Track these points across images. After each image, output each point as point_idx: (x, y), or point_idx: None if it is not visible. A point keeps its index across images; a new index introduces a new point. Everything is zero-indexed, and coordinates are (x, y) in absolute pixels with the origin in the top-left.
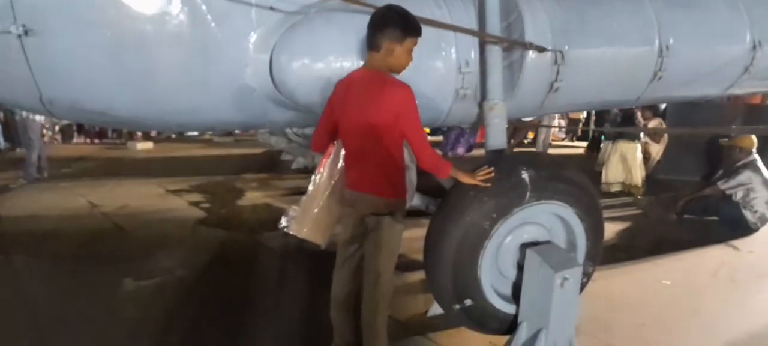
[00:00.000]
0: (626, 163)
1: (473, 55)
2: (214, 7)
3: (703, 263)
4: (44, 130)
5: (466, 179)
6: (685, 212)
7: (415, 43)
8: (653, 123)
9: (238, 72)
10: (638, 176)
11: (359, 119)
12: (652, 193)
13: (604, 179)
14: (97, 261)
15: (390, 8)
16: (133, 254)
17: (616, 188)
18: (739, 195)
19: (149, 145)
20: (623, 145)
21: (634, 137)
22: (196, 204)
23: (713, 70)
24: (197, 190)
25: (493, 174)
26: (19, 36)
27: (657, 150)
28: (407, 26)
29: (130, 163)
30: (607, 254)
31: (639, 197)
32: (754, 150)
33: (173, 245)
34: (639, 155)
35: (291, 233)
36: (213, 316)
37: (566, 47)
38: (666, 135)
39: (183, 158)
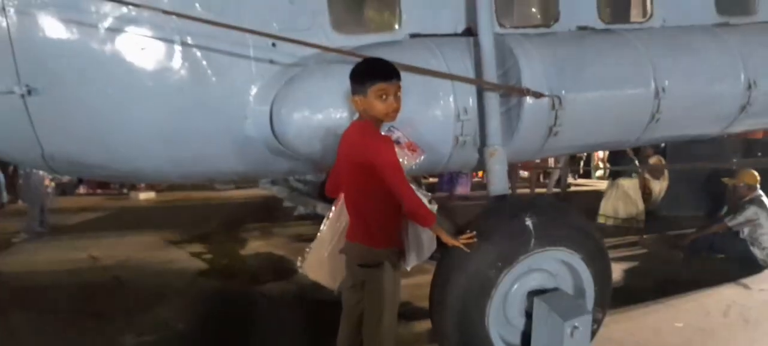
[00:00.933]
0: (630, 198)
1: (471, 102)
2: (215, 62)
3: (713, 303)
4: (47, 182)
5: (447, 240)
6: (691, 250)
7: (385, 88)
8: (653, 160)
9: (239, 124)
10: (641, 206)
11: (347, 170)
12: (656, 230)
13: (601, 210)
14: (96, 316)
15: (361, 61)
16: (134, 308)
17: (610, 222)
18: (746, 232)
19: (152, 194)
20: (624, 182)
21: (631, 174)
22: (197, 255)
23: (710, 110)
24: (198, 239)
25: (474, 240)
26: (23, 96)
27: (659, 187)
28: (361, 77)
29: (132, 214)
30: (615, 297)
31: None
32: (758, 186)
33: (174, 298)
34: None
35: (303, 272)
36: None
37: (563, 92)
38: (667, 172)
39: (185, 206)
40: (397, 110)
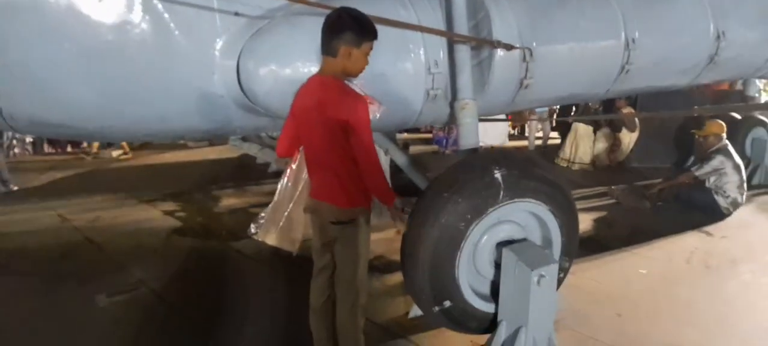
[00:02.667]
0: (583, 142)
1: (442, 55)
2: (178, 15)
3: (677, 250)
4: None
5: (393, 214)
6: (659, 200)
7: (372, 47)
8: (625, 111)
9: (205, 79)
10: (586, 153)
11: (315, 127)
12: (625, 181)
13: (559, 155)
14: (68, 278)
15: (345, 11)
16: (106, 269)
17: (563, 164)
18: (711, 180)
19: (120, 152)
20: (579, 127)
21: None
22: (170, 213)
23: (679, 62)
24: (172, 198)
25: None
26: None
27: (629, 138)
28: (363, 29)
29: (103, 173)
30: (584, 246)
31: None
32: (724, 135)
33: (147, 257)
34: (589, 135)
35: (259, 240)
36: (189, 327)
37: (534, 44)
38: (638, 124)
39: (157, 165)
40: None
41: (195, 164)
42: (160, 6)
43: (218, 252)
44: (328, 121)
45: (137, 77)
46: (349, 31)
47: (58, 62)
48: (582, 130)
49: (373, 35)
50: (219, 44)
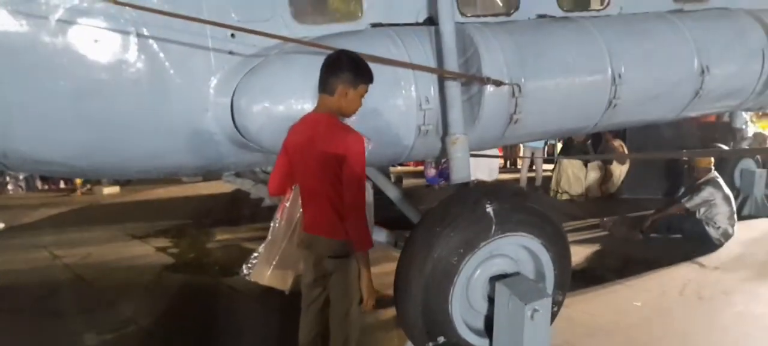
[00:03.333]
0: (570, 176)
1: (433, 91)
2: (172, 54)
3: (670, 281)
4: None
5: (363, 278)
6: (650, 231)
7: (367, 90)
8: (615, 144)
9: (199, 117)
10: (577, 183)
11: (312, 161)
12: (617, 213)
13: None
14: (58, 315)
15: (344, 53)
16: (96, 306)
17: (553, 195)
18: (701, 211)
19: (116, 189)
20: (564, 162)
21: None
22: (163, 249)
23: (665, 96)
24: (164, 234)
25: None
26: None
27: (620, 170)
28: (360, 71)
29: (95, 210)
30: (577, 279)
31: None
32: (713, 167)
33: (138, 294)
34: (577, 165)
35: (252, 280)
36: None
37: (523, 80)
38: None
39: (150, 201)
40: None
41: (188, 200)
42: (155, 45)
43: (210, 288)
44: (323, 155)
45: (131, 115)
46: (347, 71)
47: (53, 101)
48: (567, 161)
49: (369, 78)
50: (213, 82)
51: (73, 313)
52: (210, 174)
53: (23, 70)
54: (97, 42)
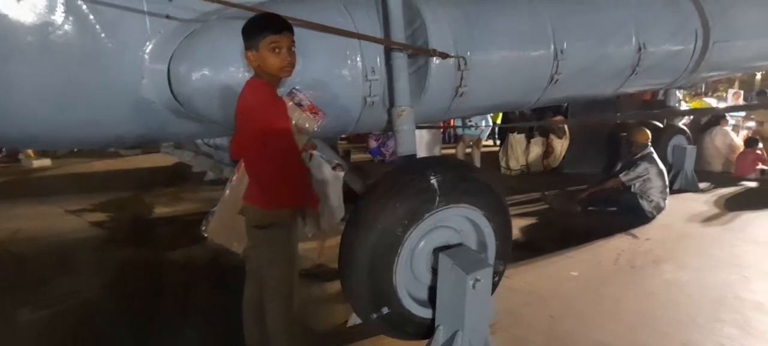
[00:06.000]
0: (514, 151)
1: (379, 62)
2: (104, 16)
3: (606, 252)
4: None
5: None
6: (588, 204)
7: (277, 40)
8: (557, 119)
9: (134, 84)
10: (520, 159)
11: (242, 131)
12: (557, 186)
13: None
14: None
15: (252, 16)
16: (30, 282)
17: (505, 172)
18: (636, 186)
19: (47, 161)
20: (512, 137)
21: (522, 131)
22: (99, 224)
23: (604, 71)
24: (101, 208)
25: None
26: None
27: (561, 145)
28: (256, 27)
29: (24, 183)
30: (519, 250)
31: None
32: (649, 143)
33: (75, 269)
34: (521, 142)
35: (207, 236)
36: (120, 337)
37: (468, 53)
38: (568, 131)
39: (85, 174)
40: (291, 65)
41: (127, 173)
42: (84, 7)
43: (151, 263)
44: (248, 123)
45: (60, 81)
46: (245, 35)
47: None
48: (514, 138)
49: (267, 29)
50: (149, 48)
51: (6, 290)
52: (148, 144)
53: None
54: (19, 1)
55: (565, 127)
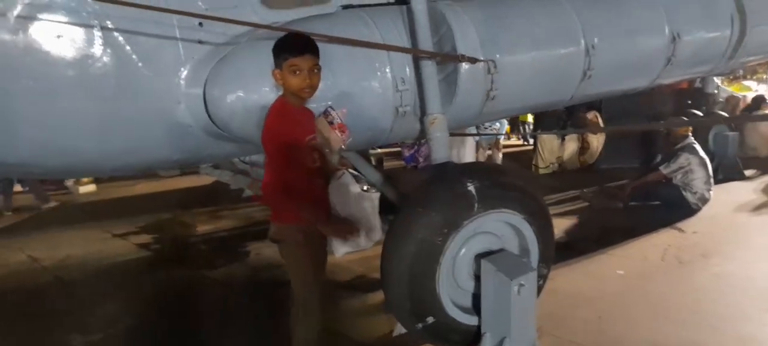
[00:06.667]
0: (545, 150)
1: (408, 72)
2: (139, 46)
3: (651, 248)
4: None
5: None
6: (630, 200)
7: (297, 63)
8: (590, 115)
9: (171, 109)
10: (544, 159)
11: None
12: (596, 183)
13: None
14: (41, 319)
15: (280, 37)
16: (79, 308)
17: (534, 170)
18: (678, 177)
19: (92, 187)
20: (541, 137)
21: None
22: (144, 246)
23: (638, 64)
24: (144, 230)
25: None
26: None
27: (597, 141)
28: (279, 49)
29: (72, 209)
30: (560, 251)
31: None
32: (690, 134)
33: (121, 292)
34: (552, 139)
35: None
36: None
37: (497, 56)
38: (602, 126)
39: (128, 197)
40: (311, 86)
41: (166, 194)
42: (120, 38)
43: (194, 282)
44: (262, 138)
45: (100, 112)
46: (273, 56)
47: (18, 101)
48: (542, 136)
49: (287, 52)
50: (184, 73)
51: (56, 316)
52: (187, 167)
53: None
54: (59, 38)
55: (600, 122)
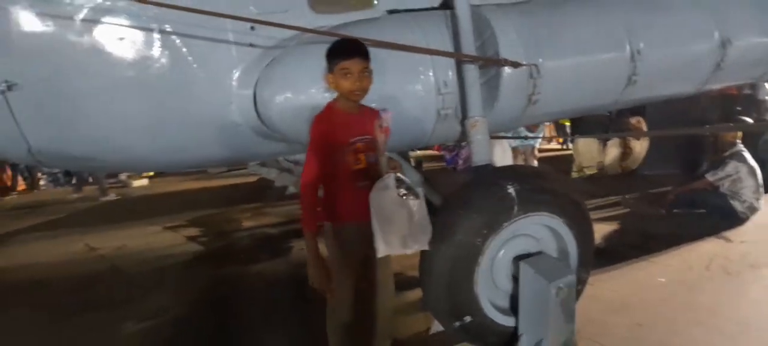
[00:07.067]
0: (581, 155)
1: (451, 75)
2: (195, 48)
3: (696, 257)
4: None
5: (310, 258)
6: (673, 207)
7: (347, 66)
8: (633, 120)
9: (223, 110)
10: (584, 161)
11: None
12: (638, 189)
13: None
14: (96, 305)
15: (332, 42)
16: (132, 296)
17: (576, 175)
18: (725, 185)
19: (145, 181)
20: (577, 140)
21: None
22: (192, 239)
23: (685, 69)
24: (193, 224)
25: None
26: (3, 92)
27: (640, 146)
28: (331, 53)
29: (127, 202)
30: (600, 256)
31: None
32: (739, 140)
33: (171, 283)
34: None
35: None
36: None
37: (540, 60)
38: (646, 132)
39: (178, 192)
40: (362, 89)
41: (215, 190)
42: (177, 41)
43: (238, 276)
44: None
45: (157, 110)
46: (326, 60)
47: (81, 99)
48: (579, 141)
49: (338, 55)
50: (235, 75)
51: (111, 302)
52: (236, 164)
53: (52, 71)
54: (121, 40)
55: (644, 127)
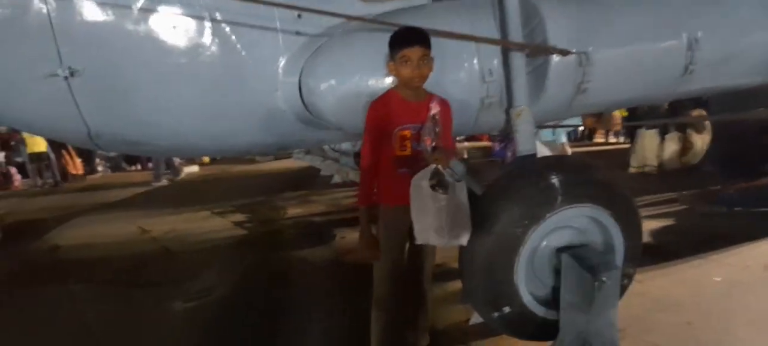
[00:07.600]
0: (646, 149)
1: (496, 63)
2: (243, 37)
3: (755, 257)
4: None
5: (361, 234)
6: (734, 204)
7: (407, 54)
8: (694, 113)
9: (270, 97)
10: (653, 156)
11: None
12: (698, 186)
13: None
14: (148, 284)
15: (396, 29)
16: (181, 276)
17: (634, 170)
18: None
19: (195, 168)
20: (641, 133)
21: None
22: (239, 224)
23: (748, 60)
24: (240, 210)
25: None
26: (66, 78)
27: (702, 141)
28: (392, 41)
29: (177, 188)
30: (653, 253)
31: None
32: None
33: (218, 265)
34: (653, 137)
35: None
36: (252, 331)
37: (590, 48)
38: (709, 125)
39: (226, 178)
40: (420, 76)
41: (261, 176)
42: (227, 29)
43: (283, 260)
44: None
45: (207, 97)
46: (388, 48)
47: (138, 86)
48: (644, 134)
49: (398, 43)
50: (282, 63)
51: (161, 282)
52: (281, 152)
53: (111, 58)
54: (175, 28)
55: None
